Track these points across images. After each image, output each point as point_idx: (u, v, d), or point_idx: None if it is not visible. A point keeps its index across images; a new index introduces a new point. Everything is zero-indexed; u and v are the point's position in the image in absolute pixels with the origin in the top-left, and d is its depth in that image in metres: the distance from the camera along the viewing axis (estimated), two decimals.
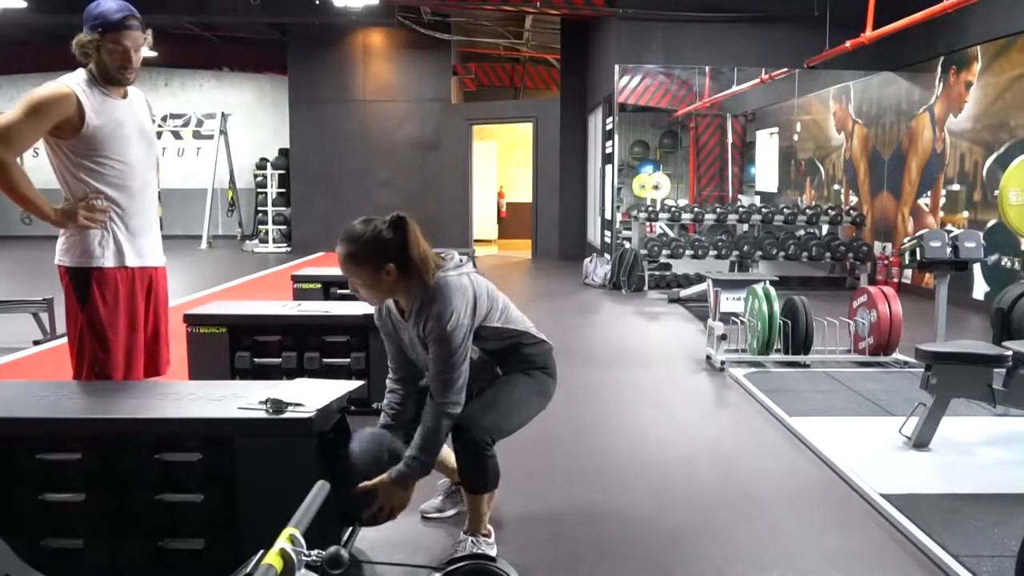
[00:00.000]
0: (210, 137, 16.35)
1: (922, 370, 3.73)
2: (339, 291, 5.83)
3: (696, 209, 10.06)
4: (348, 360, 4.27)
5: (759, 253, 9.33)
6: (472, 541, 2.68)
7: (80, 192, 2.87)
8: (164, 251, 3.18)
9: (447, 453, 2.90)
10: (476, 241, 14.36)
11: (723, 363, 5.46)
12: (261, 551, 1.34)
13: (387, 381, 2.82)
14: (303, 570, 1.35)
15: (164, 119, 16.85)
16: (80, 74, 2.87)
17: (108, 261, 2.91)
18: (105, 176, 2.88)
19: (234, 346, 4.20)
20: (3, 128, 2.72)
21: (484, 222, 16.44)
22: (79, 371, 2.95)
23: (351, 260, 2.55)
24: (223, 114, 15.91)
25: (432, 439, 2.54)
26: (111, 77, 2.87)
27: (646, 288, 9.48)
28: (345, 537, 2.65)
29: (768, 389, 4.81)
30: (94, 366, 2.91)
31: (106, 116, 2.85)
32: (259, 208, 15.52)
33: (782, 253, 9.34)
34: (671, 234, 10.40)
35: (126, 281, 2.96)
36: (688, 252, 9.32)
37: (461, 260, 2.69)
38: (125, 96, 2.95)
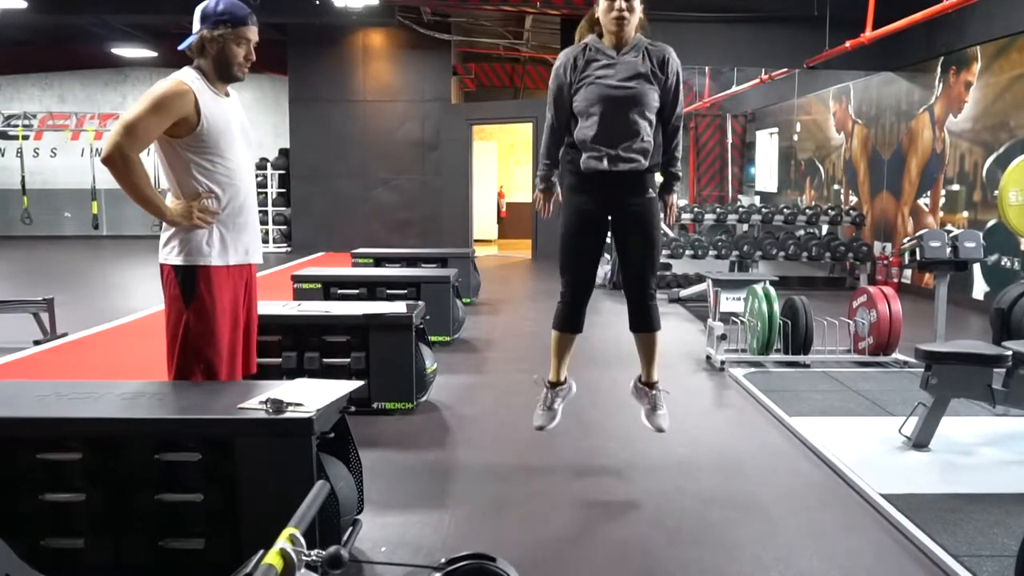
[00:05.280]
0: None
1: (922, 370, 3.73)
2: (339, 291, 5.84)
3: (696, 209, 10.06)
4: (348, 360, 4.28)
5: (759, 253, 9.32)
6: (660, 391, 3.53)
7: (191, 191, 2.83)
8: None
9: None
10: (476, 241, 14.34)
11: (723, 363, 5.46)
12: (261, 551, 1.34)
13: (552, 149, 3.43)
14: (303, 570, 1.35)
15: None
16: (190, 72, 2.84)
17: (215, 259, 2.87)
18: (216, 175, 2.86)
19: None
20: (129, 123, 2.68)
21: (484, 222, 16.40)
22: (184, 370, 2.86)
23: None
24: None
25: (679, 147, 3.45)
26: (230, 73, 2.87)
27: None
28: (345, 537, 2.65)
29: (768, 389, 4.81)
30: (200, 363, 2.85)
31: (217, 114, 2.83)
32: (259, 208, 15.47)
33: (782, 253, 9.33)
34: (671, 234, 10.39)
35: (230, 279, 2.93)
36: (688, 252, 9.31)
37: None
38: (228, 95, 2.94)
